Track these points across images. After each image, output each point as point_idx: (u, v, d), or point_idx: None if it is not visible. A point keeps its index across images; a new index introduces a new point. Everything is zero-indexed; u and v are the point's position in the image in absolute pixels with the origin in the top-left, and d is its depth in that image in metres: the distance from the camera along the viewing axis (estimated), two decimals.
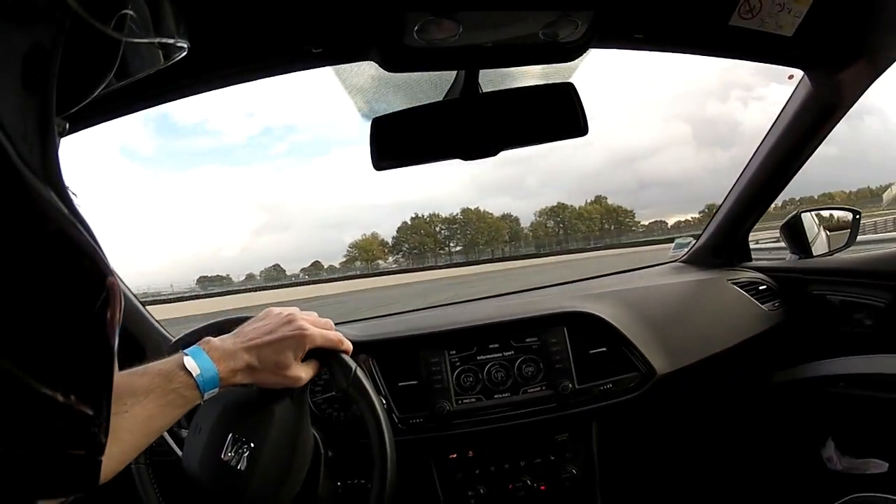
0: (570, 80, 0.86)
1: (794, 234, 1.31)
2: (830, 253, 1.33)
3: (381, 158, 0.81)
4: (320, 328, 0.71)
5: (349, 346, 0.74)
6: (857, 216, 1.38)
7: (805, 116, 1.13)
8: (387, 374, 1.03)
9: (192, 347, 0.63)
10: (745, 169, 1.23)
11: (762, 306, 1.19)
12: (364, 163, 0.85)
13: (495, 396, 1.03)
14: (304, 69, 0.81)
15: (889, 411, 1.14)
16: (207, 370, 0.61)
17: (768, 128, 1.19)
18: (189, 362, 0.60)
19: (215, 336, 0.67)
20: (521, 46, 0.81)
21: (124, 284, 1.12)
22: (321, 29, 0.74)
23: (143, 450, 0.62)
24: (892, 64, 1.00)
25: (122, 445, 0.52)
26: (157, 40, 0.39)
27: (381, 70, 0.81)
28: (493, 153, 0.82)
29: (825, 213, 1.39)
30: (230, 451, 0.70)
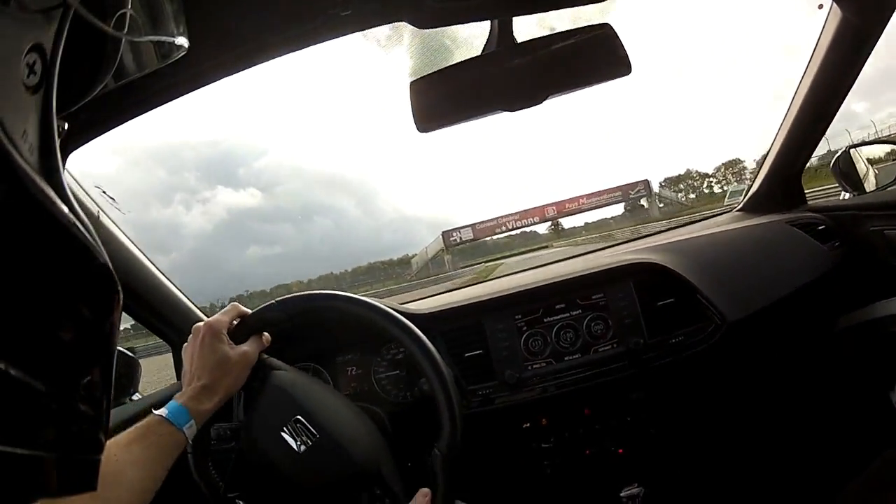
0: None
1: (846, 171, 1.26)
2: (882, 188, 1.27)
3: (424, 120, 0.77)
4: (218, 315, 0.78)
5: (243, 308, 0.81)
6: None
7: (839, 46, 1.08)
8: (452, 345, 0.99)
9: None
10: (788, 109, 1.18)
11: (823, 246, 1.14)
12: None
13: (565, 359, 0.98)
14: (335, 36, 0.78)
15: None
16: (172, 406, 0.69)
17: (805, 64, 1.15)
18: (158, 410, 0.68)
19: None
20: None
21: (172, 282, 1.10)
22: None
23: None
24: None
25: (122, 490, 0.60)
26: (156, 39, 0.39)
27: (415, 31, 0.78)
28: (539, 101, 0.79)
29: (870, 150, 1.34)
30: (295, 440, 0.70)
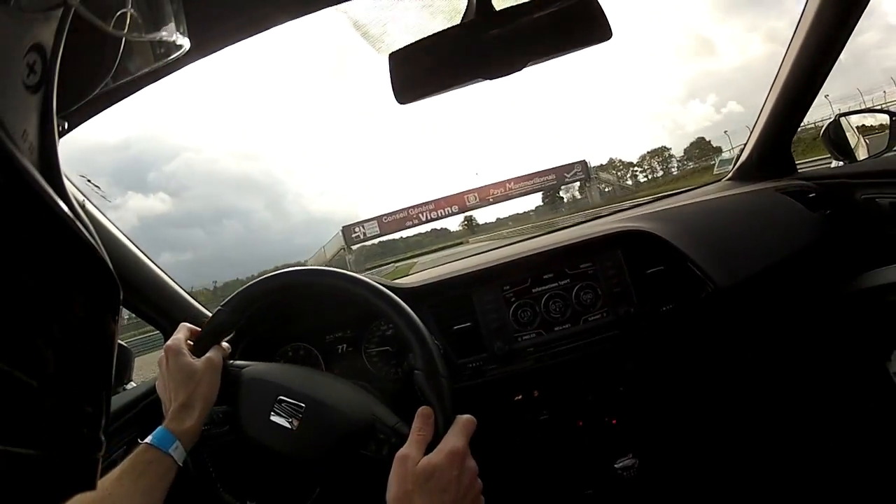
0: None
1: (836, 139, 1.25)
2: (874, 156, 1.26)
3: (403, 92, 0.77)
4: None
5: (194, 326, 0.81)
6: (895, 117, 1.32)
7: (829, 7, 1.07)
8: (440, 319, 0.99)
9: None
10: (776, 76, 1.17)
11: (814, 214, 1.13)
12: None
13: (555, 329, 0.98)
14: (314, 10, 0.77)
15: None
16: (156, 432, 0.70)
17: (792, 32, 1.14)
18: (145, 439, 0.69)
19: None
20: None
21: (160, 268, 1.10)
22: None
23: None
24: None
25: None
26: (157, 38, 0.39)
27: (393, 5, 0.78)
28: (519, 68, 0.78)
29: (860, 118, 1.33)
30: (286, 420, 0.70)
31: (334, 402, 0.72)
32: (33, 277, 0.25)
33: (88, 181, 0.91)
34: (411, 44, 0.79)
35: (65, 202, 0.26)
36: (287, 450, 0.69)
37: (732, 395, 1.13)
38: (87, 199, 0.90)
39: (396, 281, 1.05)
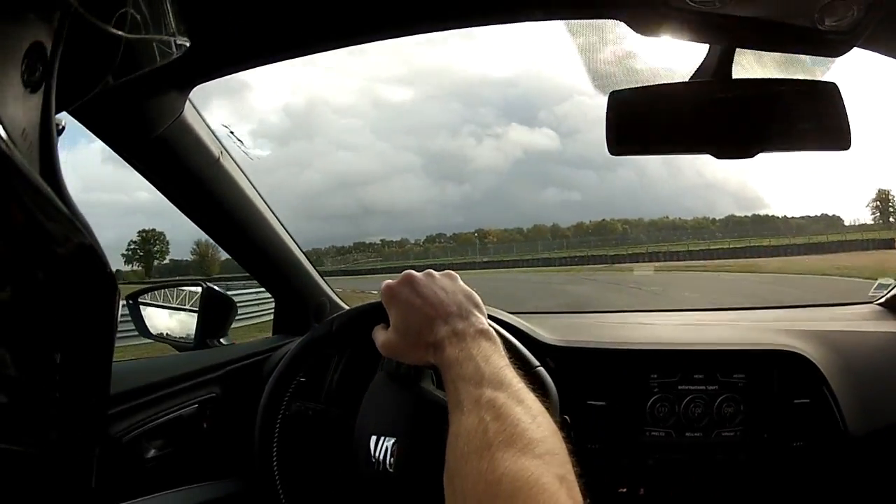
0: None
1: None
2: None
3: (619, 141, 0.66)
4: None
5: None
6: None
7: None
8: (576, 388, 0.89)
9: None
10: None
11: None
12: None
13: (686, 434, 0.90)
14: (542, 19, 0.67)
15: None
16: None
17: None
18: None
19: None
20: (788, 28, 0.66)
21: (296, 243, 1.07)
22: None
23: None
24: None
25: None
26: (156, 38, 0.39)
27: (626, 34, 0.67)
28: (750, 154, 0.68)
29: None
30: (387, 458, 0.63)
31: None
32: (30, 275, 0.24)
33: (230, 133, 0.81)
34: (636, 87, 0.68)
35: (63, 202, 0.26)
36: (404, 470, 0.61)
37: None
38: (225, 151, 0.79)
39: (539, 330, 0.94)
